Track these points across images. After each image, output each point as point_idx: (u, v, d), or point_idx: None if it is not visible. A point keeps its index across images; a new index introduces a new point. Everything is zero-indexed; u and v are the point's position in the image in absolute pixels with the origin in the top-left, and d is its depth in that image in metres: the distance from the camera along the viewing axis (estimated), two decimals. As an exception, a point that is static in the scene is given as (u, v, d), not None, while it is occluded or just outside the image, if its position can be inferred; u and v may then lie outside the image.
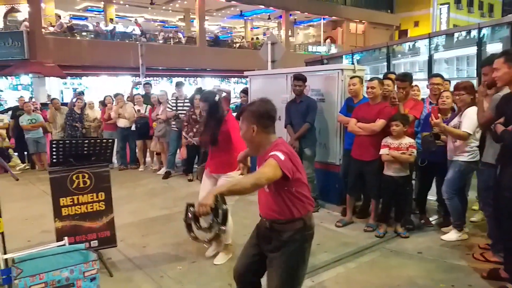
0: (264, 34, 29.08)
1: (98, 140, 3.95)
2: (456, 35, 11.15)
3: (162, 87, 16.35)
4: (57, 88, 18.18)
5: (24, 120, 8.63)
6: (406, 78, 4.93)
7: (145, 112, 8.53)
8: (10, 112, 10.17)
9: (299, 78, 5.31)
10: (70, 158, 3.72)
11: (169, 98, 8.24)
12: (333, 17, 28.15)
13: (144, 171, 8.59)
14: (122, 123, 8.49)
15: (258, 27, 31.09)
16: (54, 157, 3.69)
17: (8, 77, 17.05)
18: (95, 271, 2.86)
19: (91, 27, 20.26)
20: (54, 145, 3.69)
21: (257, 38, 27.34)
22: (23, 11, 17.76)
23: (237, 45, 25.52)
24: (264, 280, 2.47)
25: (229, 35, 30.99)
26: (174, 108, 7.79)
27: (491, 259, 3.74)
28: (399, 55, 13.00)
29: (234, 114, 4.37)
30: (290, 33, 26.64)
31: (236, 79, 23.27)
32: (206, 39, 22.83)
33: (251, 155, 3.00)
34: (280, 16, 26.19)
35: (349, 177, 4.95)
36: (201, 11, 22.09)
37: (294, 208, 2.31)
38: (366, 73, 6.62)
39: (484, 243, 4.06)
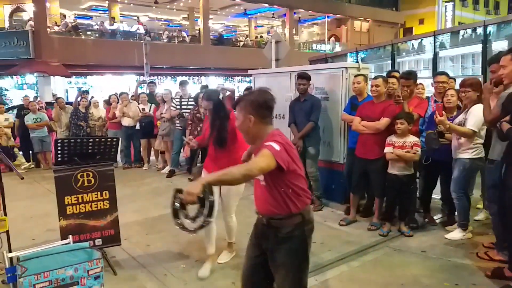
0: (268, 32, 28.99)
1: (103, 139, 3.97)
2: (461, 32, 11.07)
3: (166, 86, 16.39)
4: (62, 87, 18.25)
5: (29, 119, 8.69)
6: (410, 76, 4.92)
7: (150, 111, 8.55)
8: (15, 111, 10.23)
9: (303, 77, 5.30)
10: (74, 157, 3.75)
11: (174, 96, 8.26)
12: (338, 15, 28.03)
13: (148, 170, 8.62)
14: (126, 122, 8.54)
15: (262, 26, 31.00)
16: (59, 156, 3.72)
17: (13, 76, 17.13)
18: (99, 270, 2.87)
19: (96, 27, 20.30)
20: (59, 144, 3.72)
21: (261, 37, 27.28)
22: (28, 11, 17.83)
23: (241, 43, 25.47)
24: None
25: (233, 33, 30.97)
26: (178, 106, 7.81)
27: (495, 258, 3.72)
28: (404, 53, 12.93)
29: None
30: (294, 32, 26.57)
31: (240, 77, 23.24)
32: (210, 37, 22.84)
33: (254, 153, 2.94)
34: (284, 15, 26.12)
35: (353, 175, 4.94)
36: (205, 9, 22.08)
37: (291, 202, 2.23)
38: (370, 71, 6.59)
39: (488, 242, 4.04)
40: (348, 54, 14.68)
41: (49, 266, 2.68)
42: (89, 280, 2.81)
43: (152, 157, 9.05)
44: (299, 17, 28.44)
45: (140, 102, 8.69)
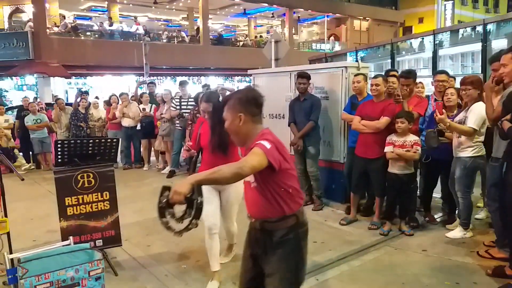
0: (268, 32, 28.99)
1: (103, 140, 3.97)
2: (461, 31, 11.07)
3: (166, 86, 16.39)
4: (62, 88, 18.25)
5: (29, 120, 8.70)
6: (410, 75, 4.93)
7: (150, 111, 8.56)
8: (15, 112, 10.22)
9: (303, 76, 5.30)
10: (75, 158, 3.74)
11: (173, 97, 8.26)
12: (337, 15, 28.02)
13: (148, 170, 8.62)
14: (126, 122, 8.55)
15: (262, 25, 30.97)
16: (59, 157, 3.72)
17: (13, 77, 17.13)
18: (100, 270, 2.87)
19: (95, 27, 20.30)
20: (59, 145, 3.72)
21: (261, 36, 27.26)
22: (28, 12, 17.82)
23: (241, 43, 25.47)
24: None
25: (233, 33, 30.96)
26: (178, 107, 7.81)
27: (497, 256, 3.72)
28: (404, 52, 12.94)
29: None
30: (293, 31, 26.55)
31: (240, 77, 23.23)
32: (209, 37, 22.83)
33: (244, 153, 2.79)
34: (284, 14, 26.11)
35: (353, 175, 4.94)
36: (205, 9, 22.07)
37: (284, 203, 2.14)
38: (370, 71, 6.60)
39: (489, 241, 4.03)
40: (347, 53, 14.69)
41: (50, 267, 2.68)
42: (90, 281, 2.81)
43: (152, 158, 9.06)
44: (299, 17, 28.42)
45: (142, 102, 8.72)
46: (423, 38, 12.16)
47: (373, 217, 4.87)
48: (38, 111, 8.91)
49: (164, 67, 19.85)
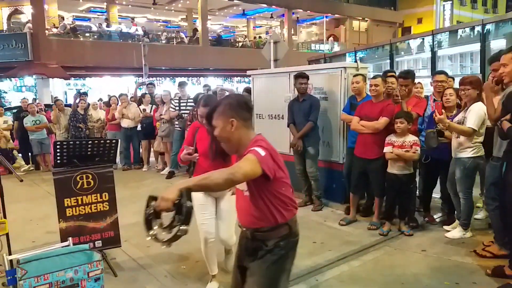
0: (267, 33, 29.01)
1: (102, 141, 3.97)
2: (459, 31, 11.07)
3: (165, 87, 16.37)
4: (61, 89, 18.24)
5: (28, 121, 8.69)
6: (408, 76, 4.93)
7: (150, 111, 8.57)
8: (14, 112, 10.21)
9: (304, 76, 5.30)
10: (74, 159, 3.74)
11: (173, 98, 8.26)
12: (336, 15, 28.04)
13: (147, 171, 8.62)
14: (126, 123, 8.55)
15: (261, 26, 30.99)
16: (58, 158, 3.72)
17: (12, 78, 17.12)
18: (99, 271, 2.86)
19: (94, 28, 20.29)
20: (58, 146, 3.72)
21: (260, 37, 27.27)
22: (27, 13, 17.82)
23: (240, 44, 25.50)
24: None
25: (232, 34, 30.98)
26: (177, 107, 7.81)
27: (498, 253, 3.71)
28: (402, 53, 12.94)
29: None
30: (292, 32, 26.56)
31: (239, 78, 23.24)
32: (208, 38, 22.84)
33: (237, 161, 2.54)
34: (283, 15, 26.11)
35: (352, 175, 4.94)
36: (204, 10, 22.08)
37: (277, 212, 2.07)
38: (369, 71, 6.60)
39: (488, 241, 4.03)
40: (346, 54, 14.69)
41: (49, 268, 2.68)
42: (89, 282, 2.80)
43: (152, 158, 9.05)
44: (298, 17, 28.45)
45: (142, 103, 8.73)
46: (422, 39, 12.17)
47: (372, 218, 4.87)
48: (37, 112, 8.91)
49: (163, 68, 19.85)
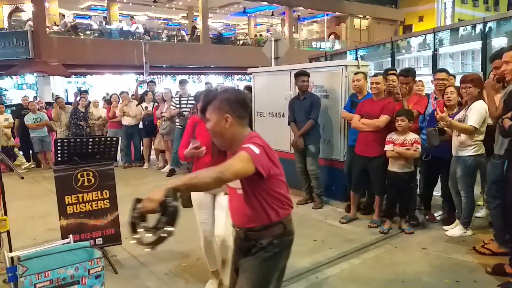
0: (268, 30, 29.00)
1: (103, 138, 3.98)
2: (461, 29, 11.03)
3: (166, 85, 16.38)
4: (62, 87, 18.24)
5: (29, 119, 8.70)
6: (409, 74, 4.92)
7: (151, 109, 8.57)
8: (14, 109, 10.21)
9: (305, 74, 5.30)
10: (74, 156, 3.75)
11: (173, 95, 8.27)
12: (337, 13, 27.97)
13: (148, 169, 8.63)
14: (126, 121, 8.56)
15: (262, 24, 30.95)
16: (59, 155, 3.73)
17: (13, 76, 17.13)
18: (100, 269, 2.87)
19: (95, 26, 20.28)
20: (59, 144, 3.72)
21: (261, 35, 27.23)
22: (27, 11, 17.81)
23: (241, 42, 25.46)
24: None
25: (233, 32, 30.94)
26: (178, 105, 7.81)
27: (498, 251, 3.71)
28: (404, 51, 12.91)
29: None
30: (293, 30, 26.53)
31: (240, 76, 23.22)
32: (209, 36, 22.82)
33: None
34: (284, 13, 26.07)
35: (353, 173, 4.94)
36: (204, 8, 22.05)
37: (271, 210, 2.01)
38: (370, 69, 6.59)
39: (489, 239, 4.02)
40: (347, 52, 14.66)
41: (50, 266, 2.68)
42: (90, 279, 2.81)
43: (153, 156, 9.06)
44: (299, 15, 28.39)
45: (145, 100, 8.74)
46: (424, 37, 12.12)
47: (373, 216, 4.87)
48: (38, 110, 8.92)
49: (164, 66, 19.85)
